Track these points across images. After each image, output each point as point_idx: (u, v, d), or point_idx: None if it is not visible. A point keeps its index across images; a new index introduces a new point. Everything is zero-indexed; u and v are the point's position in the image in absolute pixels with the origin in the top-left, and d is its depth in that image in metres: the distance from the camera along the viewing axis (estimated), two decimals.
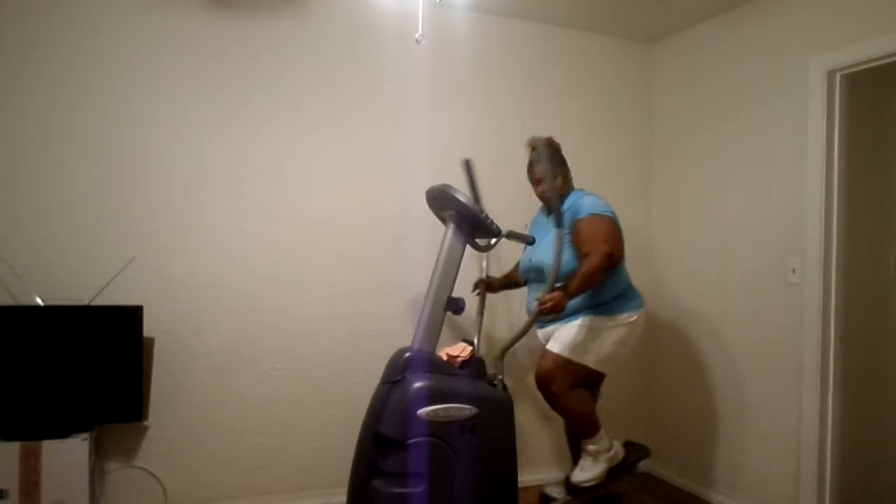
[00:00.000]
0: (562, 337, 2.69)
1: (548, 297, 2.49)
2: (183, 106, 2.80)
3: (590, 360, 2.69)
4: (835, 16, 2.68)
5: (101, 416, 2.51)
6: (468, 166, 2.69)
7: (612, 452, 2.79)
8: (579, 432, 2.80)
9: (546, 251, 2.72)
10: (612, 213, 2.71)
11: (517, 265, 3.04)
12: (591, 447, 2.75)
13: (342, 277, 3.06)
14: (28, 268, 2.56)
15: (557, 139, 2.85)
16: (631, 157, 3.66)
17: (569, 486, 2.78)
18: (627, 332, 2.74)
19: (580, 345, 2.67)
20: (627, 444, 2.94)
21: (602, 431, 2.76)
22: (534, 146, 2.81)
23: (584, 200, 2.73)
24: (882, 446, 2.99)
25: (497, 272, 3.14)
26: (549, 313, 2.52)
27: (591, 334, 2.67)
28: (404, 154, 3.15)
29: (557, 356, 2.67)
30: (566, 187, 2.82)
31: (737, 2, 3.08)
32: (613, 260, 2.62)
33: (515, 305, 3.28)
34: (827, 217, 2.70)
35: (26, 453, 2.32)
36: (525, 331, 2.60)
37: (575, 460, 2.93)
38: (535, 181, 2.84)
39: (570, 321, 2.71)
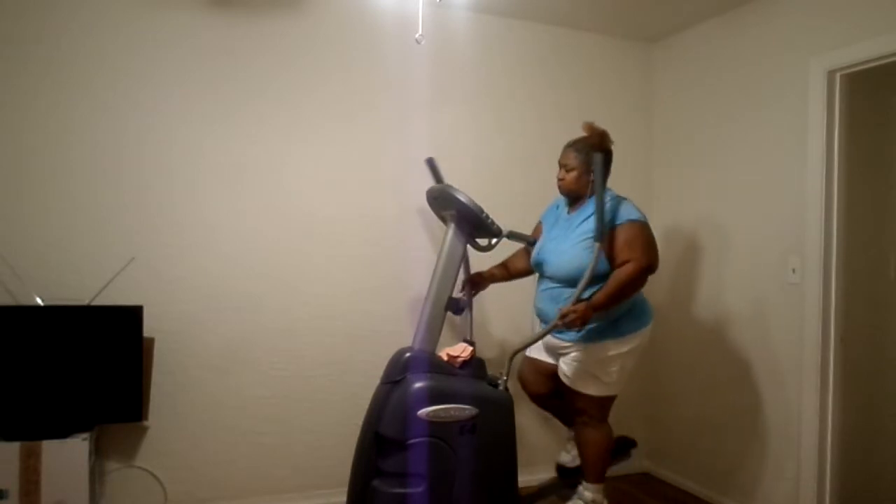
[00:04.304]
0: (588, 375, 2.59)
1: (571, 309, 2.37)
2: (183, 106, 2.80)
3: (619, 388, 2.66)
4: (835, 16, 2.68)
5: (101, 416, 2.51)
6: (431, 164, 2.59)
7: None
8: (587, 472, 2.70)
9: (556, 252, 2.61)
10: (647, 220, 2.58)
11: (516, 254, 2.93)
12: (588, 494, 2.68)
13: (342, 277, 3.06)
14: (28, 268, 2.56)
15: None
16: (631, 156, 3.65)
17: None
18: (641, 344, 2.69)
19: (610, 380, 2.60)
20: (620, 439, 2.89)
21: (603, 485, 2.70)
22: (588, 131, 2.61)
23: (623, 206, 2.57)
24: (882, 446, 3.00)
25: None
26: (572, 327, 2.42)
27: (612, 363, 2.59)
28: (404, 154, 3.15)
29: (597, 398, 2.62)
30: (594, 190, 2.59)
31: (737, 2, 3.08)
32: (652, 270, 2.49)
33: (509, 298, 3.21)
34: (827, 217, 2.70)
35: (26, 453, 2.32)
36: (541, 337, 2.57)
37: (564, 422, 2.90)
38: (562, 166, 2.67)
39: (587, 345, 2.59)
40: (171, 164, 2.79)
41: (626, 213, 2.53)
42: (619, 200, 2.59)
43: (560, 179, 2.67)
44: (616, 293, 2.43)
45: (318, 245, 3.03)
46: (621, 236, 2.49)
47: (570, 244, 2.57)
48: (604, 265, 2.48)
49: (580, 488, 2.71)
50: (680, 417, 3.49)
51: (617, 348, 2.58)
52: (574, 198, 2.68)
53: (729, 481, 3.17)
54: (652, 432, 3.62)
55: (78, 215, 2.66)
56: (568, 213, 2.71)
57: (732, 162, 3.17)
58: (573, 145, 2.65)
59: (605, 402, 2.67)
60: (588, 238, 2.52)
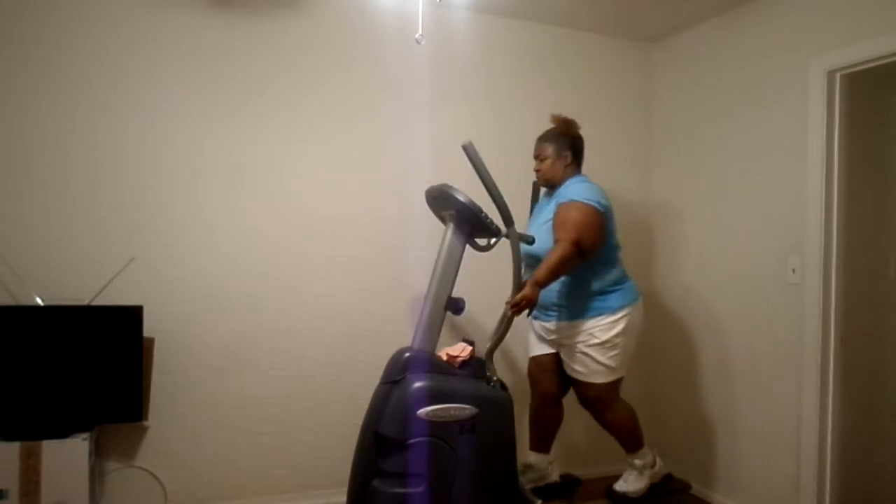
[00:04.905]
0: (595, 364, 2.73)
1: (518, 296, 2.50)
2: (183, 106, 2.80)
3: (624, 370, 2.79)
4: (835, 16, 2.68)
5: (101, 416, 2.51)
6: (469, 151, 2.49)
7: (655, 468, 2.89)
8: (626, 446, 2.87)
9: (539, 238, 2.73)
10: (599, 202, 2.69)
11: None
12: (637, 462, 2.86)
13: (342, 277, 3.06)
14: (28, 268, 2.56)
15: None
16: (630, 157, 3.66)
17: (611, 494, 2.87)
18: (634, 321, 2.81)
19: (614, 364, 2.73)
20: (669, 477, 3.04)
21: (646, 447, 2.87)
22: (555, 122, 2.86)
23: (572, 188, 2.74)
24: (882, 446, 2.99)
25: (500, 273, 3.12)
26: (524, 310, 2.54)
27: (613, 347, 2.72)
28: (404, 153, 3.15)
29: (602, 384, 2.74)
30: (567, 173, 2.82)
31: (737, 2, 3.08)
32: (582, 248, 2.59)
33: (507, 297, 3.24)
34: (827, 217, 2.70)
35: (26, 453, 2.32)
36: (506, 330, 2.60)
37: (535, 444, 2.98)
38: (536, 156, 2.89)
39: (582, 323, 2.73)
40: (171, 164, 2.79)
41: (572, 194, 2.70)
42: (575, 182, 2.78)
43: (537, 171, 2.88)
44: (554, 269, 2.55)
45: (318, 245, 3.03)
46: (559, 216, 2.67)
47: (537, 227, 2.77)
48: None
49: (629, 459, 2.89)
50: (679, 417, 3.49)
51: (613, 327, 2.71)
52: (551, 186, 2.87)
53: (728, 481, 3.17)
54: (652, 432, 3.61)
55: (78, 215, 2.66)
56: (548, 200, 2.89)
57: (732, 162, 3.16)
58: (543, 136, 2.87)
59: (614, 386, 2.80)
60: (549, 220, 2.72)
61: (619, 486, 2.85)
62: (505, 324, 2.60)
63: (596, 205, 2.66)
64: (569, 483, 3.09)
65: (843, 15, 2.65)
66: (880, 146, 2.99)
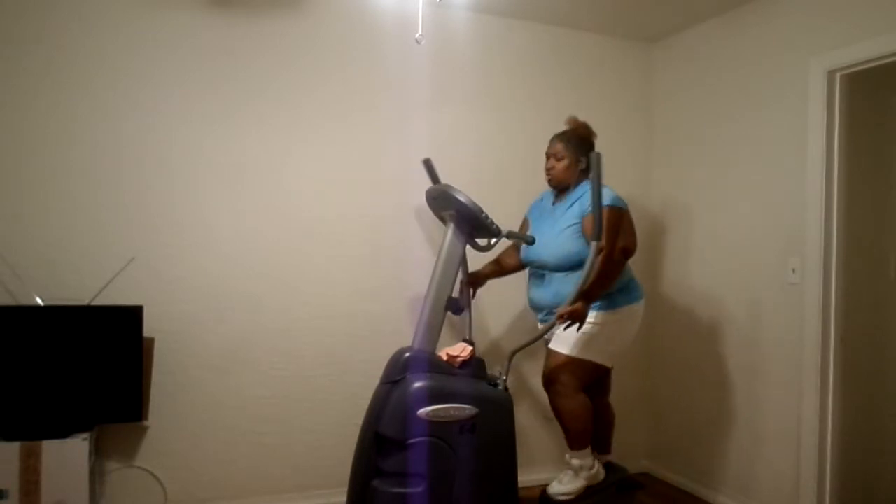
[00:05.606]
0: (566, 335, 2.65)
1: (569, 309, 2.45)
2: (183, 106, 2.80)
3: (597, 356, 2.69)
4: (835, 16, 2.68)
5: (101, 416, 2.51)
6: (428, 165, 2.64)
7: (593, 471, 2.76)
8: (569, 442, 2.74)
9: (548, 245, 2.69)
10: (626, 205, 2.69)
11: (506, 251, 2.99)
12: (575, 461, 2.73)
13: (342, 277, 3.06)
14: (28, 268, 2.56)
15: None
16: (631, 156, 3.66)
17: (544, 497, 2.74)
18: (630, 324, 2.76)
19: (586, 342, 2.64)
20: (608, 465, 2.91)
21: (589, 449, 2.75)
22: (573, 124, 2.80)
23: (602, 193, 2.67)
24: (882, 446, 2.99)
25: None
26: (574, 324, 2.49)
27: (595, 329, 2.65)
28: (404, 154, 3.15)
29: (565, 356, 2.66)
30: (580, 178, 2.75)
31: (737, 2, 3.08)
32: (627, 254, 2.62)
33: (508, 298, 3.26)
34: (827, 217, 2.70)
35: (26, 453, 2.32)
36: (541, 335, 2.60)
37: (600, 446, 2.90)
38: (549, 155, 2.78)
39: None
40: (171, 164, 2.79)
41: (603, 198, 2.59)
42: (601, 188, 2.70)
43: (550, 169, 2.78)
44: (601, 281, 2.53)
45: (318, 245, 3.03)
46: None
47: (557, 232, 2.67)
48: (582, 254, 2.58)
49: (567, 457, 2.75)
50: (680, 417, 3.49)
51: (607, 318, 2.67)
52: (562, 189, 2.79)
53: (729, 481, 3.17)
54: (652, 432, 3.62)
55: (78, 215, 2.66)
56: (553, 204, 2.82)
57: (732, 162, 3.16)
58: (562, 137, 2.78)
59: (577, 369, 2.66)
60: (573, 225, 2.64)
61: (553, 487, 2.72)
62: (541, 330, 2.61)
63: (626, 207, 2.68)
64: (630, 484, 3.05)
65: (843, 15, 2.65)
66: (880, 146, 2.99)
